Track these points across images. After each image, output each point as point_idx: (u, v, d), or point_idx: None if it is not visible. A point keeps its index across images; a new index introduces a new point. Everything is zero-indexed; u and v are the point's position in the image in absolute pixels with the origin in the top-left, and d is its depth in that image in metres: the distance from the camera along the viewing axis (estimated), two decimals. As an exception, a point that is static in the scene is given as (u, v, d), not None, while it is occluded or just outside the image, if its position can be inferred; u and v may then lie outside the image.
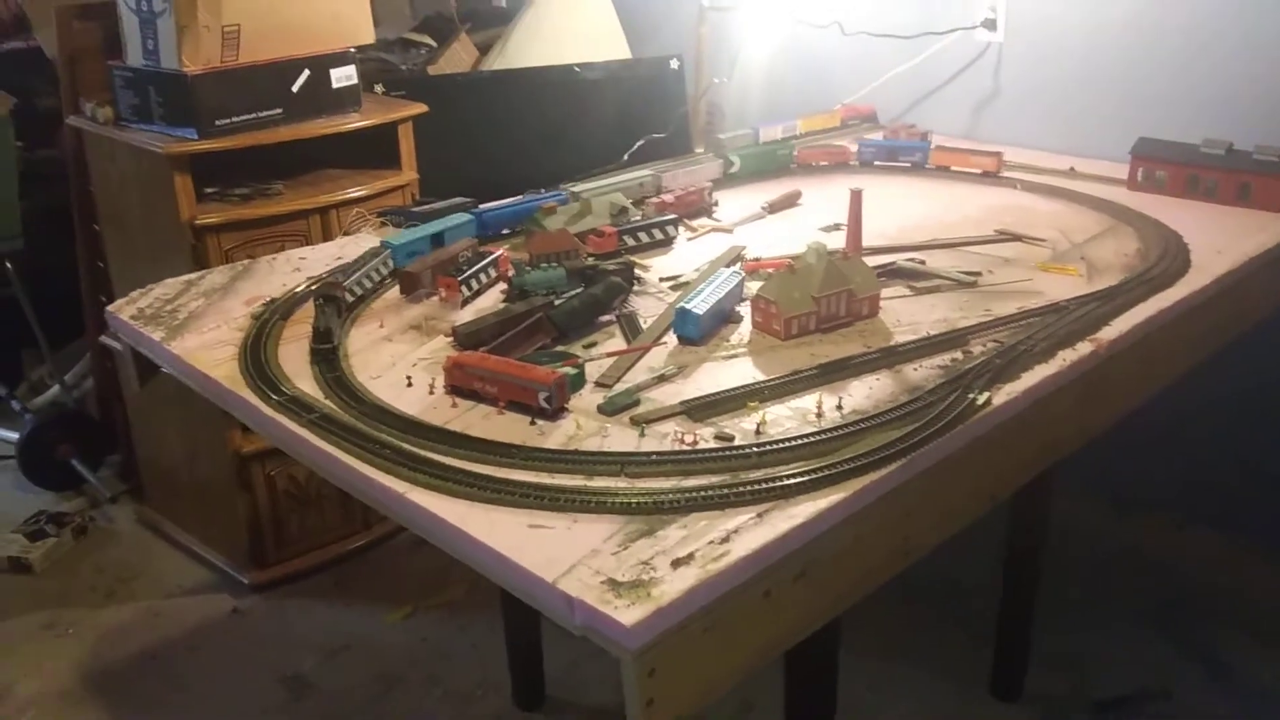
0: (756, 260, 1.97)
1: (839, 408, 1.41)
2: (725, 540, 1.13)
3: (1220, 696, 2.39)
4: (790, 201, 2.37)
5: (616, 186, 2.27)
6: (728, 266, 1.95)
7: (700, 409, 1.41)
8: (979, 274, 1.90)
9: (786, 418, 1.39)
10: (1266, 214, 2.23)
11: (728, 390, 1.46)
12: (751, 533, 1.14)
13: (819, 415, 1.40)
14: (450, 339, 1.65)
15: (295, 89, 2.66)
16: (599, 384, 1.51)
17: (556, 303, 1.71)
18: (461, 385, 1.46)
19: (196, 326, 1.76)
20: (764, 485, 1.22)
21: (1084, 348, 1.60)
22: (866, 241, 2.00)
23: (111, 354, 3.09)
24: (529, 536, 1.15)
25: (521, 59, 3.27)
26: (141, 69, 2.57)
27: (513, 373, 1.42)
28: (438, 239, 1.98)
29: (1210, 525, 2.78)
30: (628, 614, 1.02)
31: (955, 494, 1.42)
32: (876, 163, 2.64)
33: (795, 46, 3.30)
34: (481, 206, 2.15)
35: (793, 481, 1.22)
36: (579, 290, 1.77)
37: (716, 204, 2.34)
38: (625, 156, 2.62)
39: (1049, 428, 1.57)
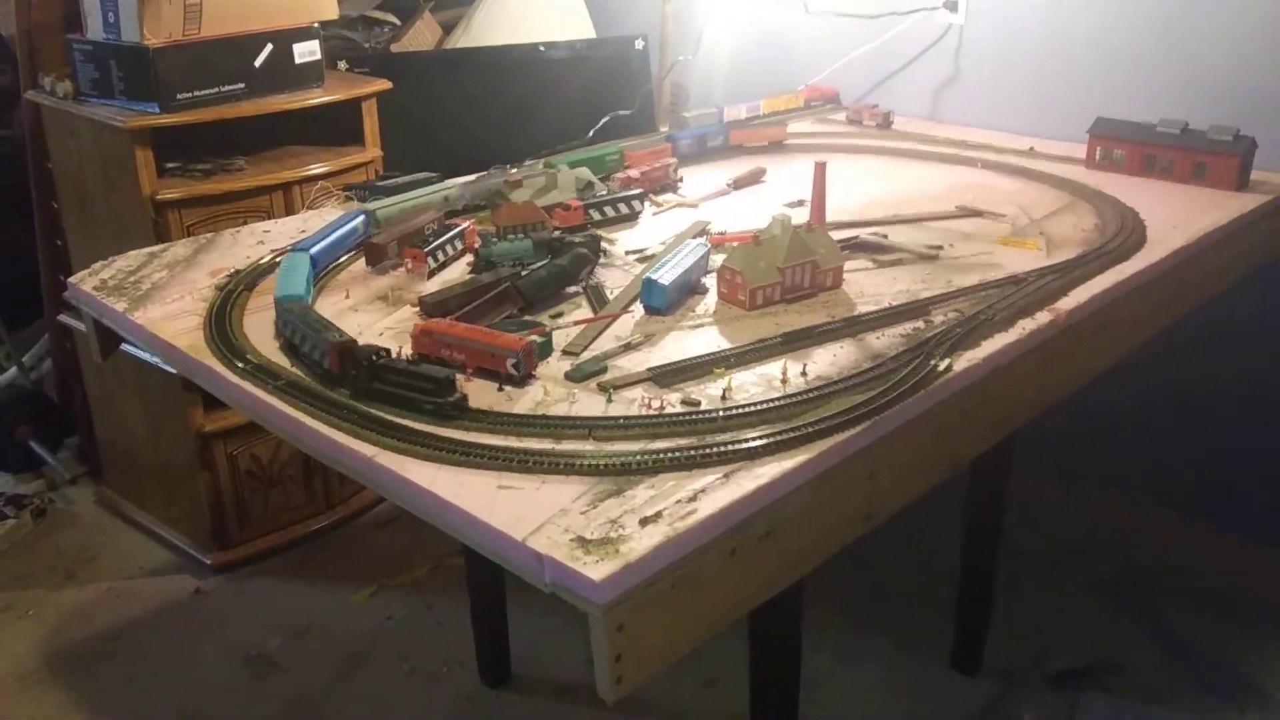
0: (722, 234, 1.98)
1: (803, 374, 1.43)
2: (692, 500, 1.14)
3: (1171, 669, 2.44)
4: (755, 178, 2.38)
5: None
6: (694, 239, 1.96)
7: (667, 375, 1.42)
8: (940, 248, 1.92)
9: (752, 384, 1.41)
10: (1220, 191, 2.27)
11: (694, 358, 1.47)
12: (718, 492, 1.16)
13: (784, 381, 1.41)
14: (417, 309, 1.65)
15: (258, 64, 2.64)
16: (566, 352, 1.51)
17: (523, 273, 1.71)
18: (429, 352, 1.46)
19: (160, 297, 1.75)
20: (730, 448, 1.23)
21: (1043, 317, 1.62)
22: (831, 217, 2.02)
23: (70, 334, 3.07)
24: (498, 497, 1.16)
25: (485, 37, 3.26)
26: (102, 42, 2.54)
27: (480, 339, 1.43)
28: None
29: (1165, 505, 2.84)
30: (597, 569, 1.03)
31: (917, 457, 1.44)
32: (688, 151, 2.53)
33: (760, 25, 3.31)
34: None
35: (758, 444, 1.24)
36: (546, 261, 1.77)
37: (681, 180, 2.35)
38: (590, 133, 2.63)
39: (1008, 394, 1.60)
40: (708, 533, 1.12)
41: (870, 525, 1.38)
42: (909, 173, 2.49)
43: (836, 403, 1.34)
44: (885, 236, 1.95)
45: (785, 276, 1.67)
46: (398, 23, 3.37)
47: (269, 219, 2.54)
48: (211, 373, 1.50)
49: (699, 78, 3.35)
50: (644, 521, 1.10)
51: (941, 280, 1.78)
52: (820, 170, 1.80)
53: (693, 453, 1.22)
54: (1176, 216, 2.10)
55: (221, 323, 1.62)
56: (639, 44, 3.21)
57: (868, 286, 1.75)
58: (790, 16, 3.19)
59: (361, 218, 1.93)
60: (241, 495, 2.82)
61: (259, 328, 1.61)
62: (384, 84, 2.83)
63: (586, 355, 1.50)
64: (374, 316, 1.66)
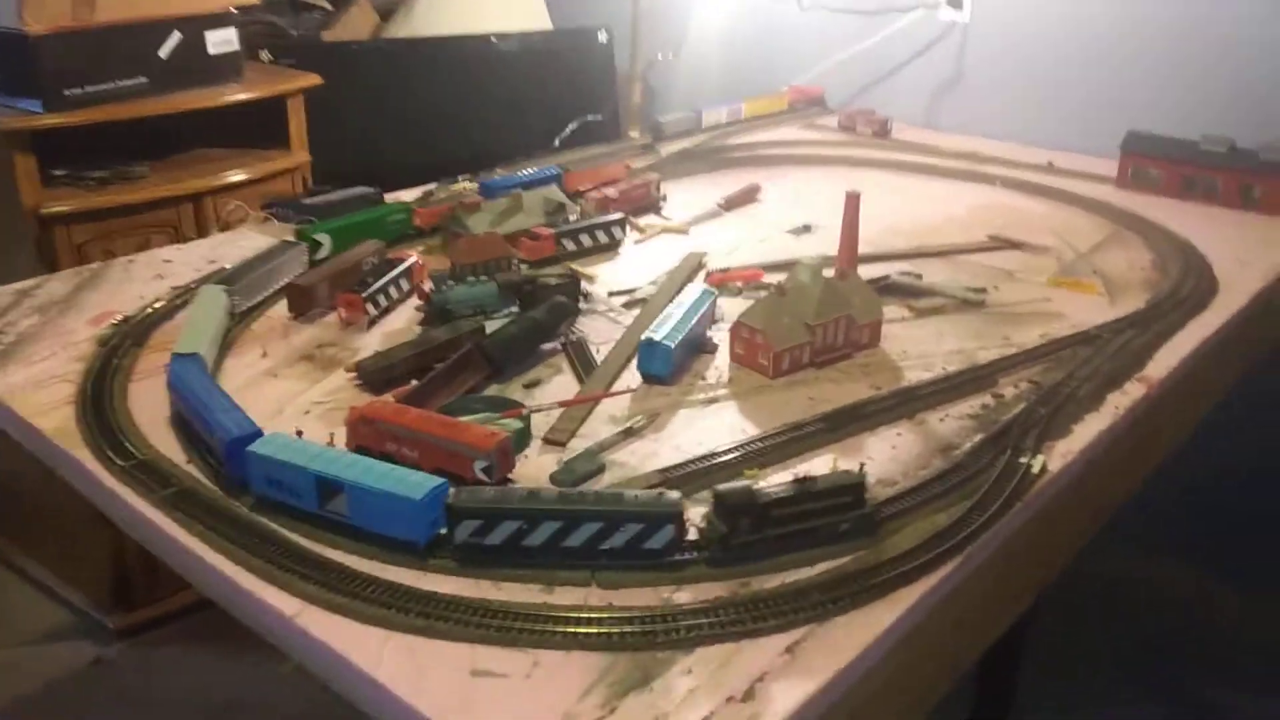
0: (724, 271, 1.66)
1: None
2: (749, 696, 0.81)
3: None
4: (749, 197, 2.06)
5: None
6: (690, 278, 1.63)
7: (683, 480, 1.09)
8: (984, 290, 1.61)
9: (796, 491, 1.08)
10: (1277, 219, 1.99)
11: (714, 454, 1.14)
12: (784, 679, 0.83)
13: (837, 488, 1.08)
14: (353, 375, 1.30)
15: (164, 54, 2.27)
16: (549, 440, 1.17)
17: (489, 329, 1.37)
18: (370, 446, 1.12)
19: (25, 355, 1.38)
20: (789, 606, 0.91)
21: (1134, 389, 1.32)
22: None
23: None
24: (474, 692, 0.82)
25: (429, 27, 2.88)
26: (-27, 28, 2.14)
27: (439, 433, 1.08)
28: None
29: (1184, 558, 2.57)
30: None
31: (1003, 587, 1.13)
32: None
33: (742, 20, 2.98)
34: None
35: (827, 600, 0.91)
36: (514, 311, 1.43)
37: (664, 198, 2.01)
38: (557, 142, 2.28)
39: (1102, 488, 1.29)
40: (775, 747, 0.79)
41: (950, 684, 1.07)
42: (920, 191, 2.18)
43: (915, 525, 1.02)
44: (919, 276, 1.64)
45: (816, 336, 1.35)
46: (330, 7, 2.98)
47: (176, 237, 2.18)
48: (81, 470, 1.14)
49: (671, 77, 3.01)
50: (687, 738, 0.77)
51: (997, 335, 1.47)
52: (853, 203, 1.48)
53: (737, 611, 0.89)
54: (1238, 250, 1.81)
55: (99, 396, 1.25)
56: (602, 36, 2.87)
57: (910, 344, 1.44)
58: (779, 9, 2.86)
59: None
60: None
61: (149, 401, 1.25)
62: (313, 78, 2.46)
63: (576, 446, 1.16)
64: (297, 385, 1.30)
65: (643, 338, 1.31)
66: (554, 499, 0.95)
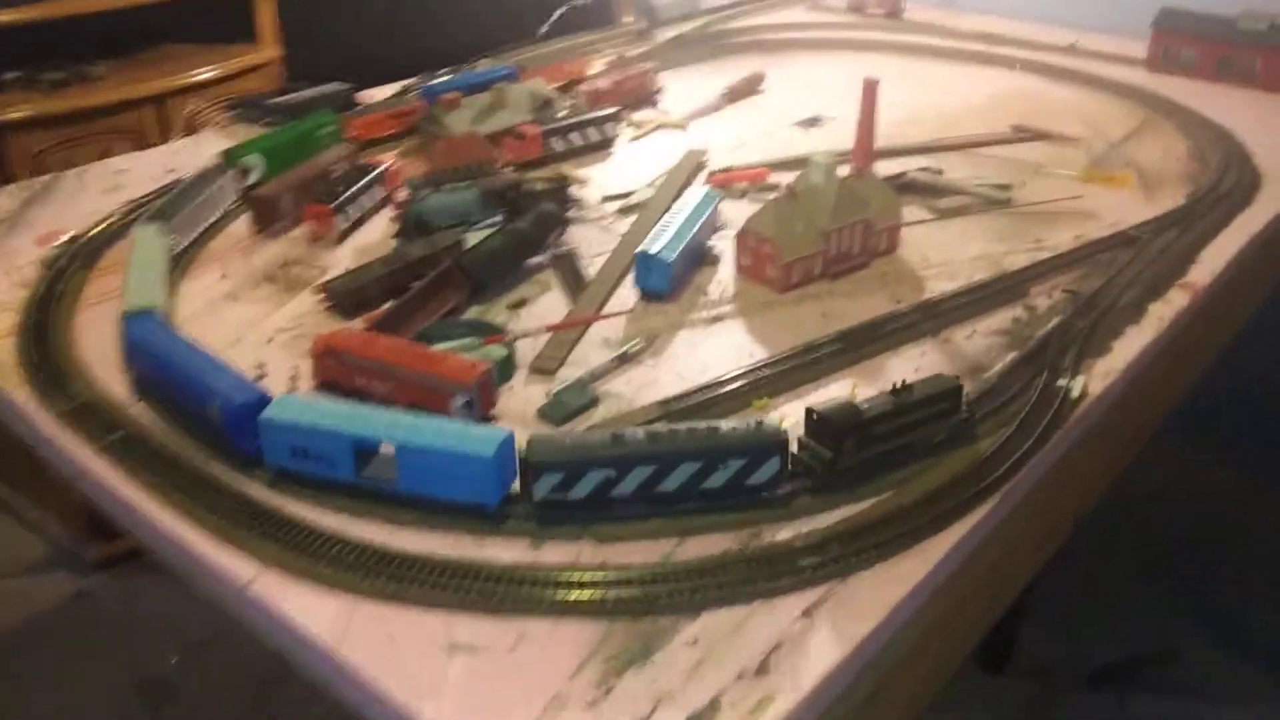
0: (726, 170, 1.52)
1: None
2: (762, 669, 0.71)
3: (1230, 659, 2.10)
4: (752, 87, 1.91)
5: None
6: (690, 179, 1.50)
7: (687, 413, 0.98)
8: (1010, 187, 1.48)
9: (812, 423, 0.97)
10: (1320, 103, 1.85)
11: (720, 380, 1.03)
12: (805, 648, 0.73)
13: (857, 418, 0.98)
14: (322, 297, 1.18)
15: (117, -59, 2.09)
16: (536, 370, 1.06)
17: (470, 241, 1.25)
18: (338, 381, 1.01)
19: (-35, 279, 1.26)
20: (810, 561, 0.80)
21: (1178, 297, 1.20)
22: (852, 136, 1.56)
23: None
24: (449, 670, 0.72)
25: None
26: (-96, -87, 1.96)
27: (413, 365, 0.97)
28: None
29: (1212, 456, 2.47)
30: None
31: (1041, 521, 1.03)
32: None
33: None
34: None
35: (850, 551, 0.81)
36: (498, 222, 1.31)
37: (661, 90, 1.87)
38: (543, 29, 2.12)
39: (1144, 405, 1.19)
40: (794, 726, 0.70)
41: (984, 632, 0.97)
42: (936, 77, 2.03)
43: (945, 463, 0.91)
44: (940, 172, 1.51)
45: (831, 243, 1.22)
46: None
47: (140, 143, 2.03)
48: (18, 412, 1.03)
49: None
50: (695, 723, 0.67)
51: (1027, 238, 1.34)
52: (871, 93, 1.34)
53: (748, 564, 0.79)
54: (1279, 138, 1.67)
55: (42, 326, 1.14)
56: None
57: (932, 250, 1.32)
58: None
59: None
60: (129, 472, 2.34)
61: (98, 332, 1.13)
62: (282, -35, 2.28)
63: (565, 375, 1.05)
64: (260, 309, 1.18)
65: (638, 250, 1.19)
66: (643, 441, 0.84)
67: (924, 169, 1.51)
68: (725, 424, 0.86)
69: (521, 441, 0.85)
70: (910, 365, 1.07)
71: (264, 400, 0.90)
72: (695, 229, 1.25)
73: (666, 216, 1.26)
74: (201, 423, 0.94)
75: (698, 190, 1.35)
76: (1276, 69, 1.91)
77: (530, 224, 1.26)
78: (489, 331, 1.09)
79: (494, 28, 2.16)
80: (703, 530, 0.84)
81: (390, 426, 0.86)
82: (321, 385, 1.02)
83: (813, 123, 1.75)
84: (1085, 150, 1.65)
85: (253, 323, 1.15)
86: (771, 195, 1.45)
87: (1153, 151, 1.64)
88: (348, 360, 0.99)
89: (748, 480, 0.85)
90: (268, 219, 1.33)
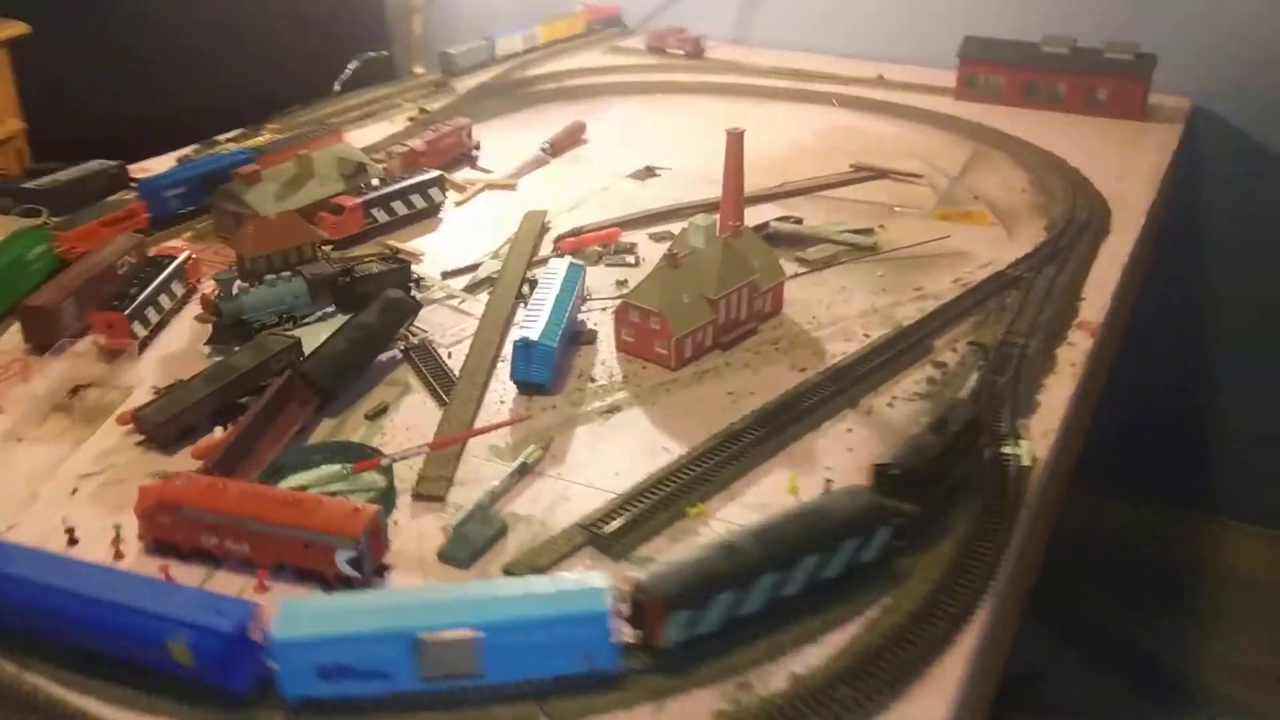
0: (575, 233, 1.38)
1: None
2: None
3: (1100, 674, 2.11)
4: (574, 138, 1.78)
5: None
6: (535, 245, 1.36)
7: (614, 537, 0.83)
8: (873, 231, 1.41)
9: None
10: (1126, 123, 1.88)
11: (643, 490, 0.89)
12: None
13: (805, 518, 0.85)
14: (130, 429, 0.97)
15: None
16: (420, 496, 0.89)
17: (306, 343, 1.06)
18: (176, 542, 0.80)
19: None
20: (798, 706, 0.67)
21: (1079, 338, 1.15)
22: (699, 191, 1.46)
23: None
24: None
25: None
26: None
27: (278, 517, 0.78)
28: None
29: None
30: None
31: (1026, 572, 0.93)
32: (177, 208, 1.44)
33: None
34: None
35: (849, 696, 0.68)
36: (330, 313, 1.12)
37: (479, 146, 1.71)
38: (337, 85, 1.91)
39: (1066, 456, 1.12)
40: None
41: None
42: (758, 117, 1.96)
43: (922, 565, 0.80)
44: (800, 221, 1.42)
45: (720, 311, 1.10)
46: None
47: None
48: None
49: (455, 4, 2.64)
50: None
51: (906, 286, 1.27)
52: (735, 142, 1.22)
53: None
54: (1107, 161, 1.69)
55: None
56: (363, -40, 2.49)
57: (817, 308, 1.22)
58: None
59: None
60: None
61: None
62: (20, 27, 1.98)
63: (456, 500, 0.88)
64: (52, 450, 0.95)
65: (517, 339, 1.03)
66: (755, 545, 0.73)
67: (783, 218, 1.42)
68: (822, 503, 0.79)
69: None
70: (841, 446, 0.96)
71: (248, 615, 0.68)
72: (569, 306, 1.10)
73: (537, 294, 1.11)
74: (139, 673, 0.69)
75: (559, 261, 1.20)
76: (1080, 92, 1.95)
77: (377, 316, 1.08)
78: (358, 455, 0.91)
79: (279, 84, 1.95)
80: (678, 688, 0.69)
81: (454, 606, 0.69)
82: (154, 548, 0.81)
83: (647, 173, 1.64)
84: (929, 186, 1.60)
85: (46, 470, 0.92)
86: (628, 257, 1.34)
87: (994, 184, 1.62)
88: (188, 515, 0.79)
89: (860, 559, 0.77)
90: (46, 334, 1.09)
